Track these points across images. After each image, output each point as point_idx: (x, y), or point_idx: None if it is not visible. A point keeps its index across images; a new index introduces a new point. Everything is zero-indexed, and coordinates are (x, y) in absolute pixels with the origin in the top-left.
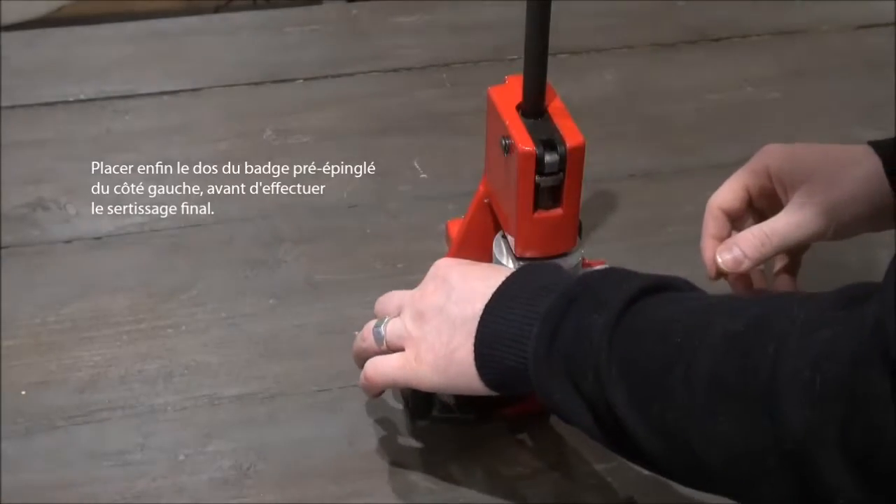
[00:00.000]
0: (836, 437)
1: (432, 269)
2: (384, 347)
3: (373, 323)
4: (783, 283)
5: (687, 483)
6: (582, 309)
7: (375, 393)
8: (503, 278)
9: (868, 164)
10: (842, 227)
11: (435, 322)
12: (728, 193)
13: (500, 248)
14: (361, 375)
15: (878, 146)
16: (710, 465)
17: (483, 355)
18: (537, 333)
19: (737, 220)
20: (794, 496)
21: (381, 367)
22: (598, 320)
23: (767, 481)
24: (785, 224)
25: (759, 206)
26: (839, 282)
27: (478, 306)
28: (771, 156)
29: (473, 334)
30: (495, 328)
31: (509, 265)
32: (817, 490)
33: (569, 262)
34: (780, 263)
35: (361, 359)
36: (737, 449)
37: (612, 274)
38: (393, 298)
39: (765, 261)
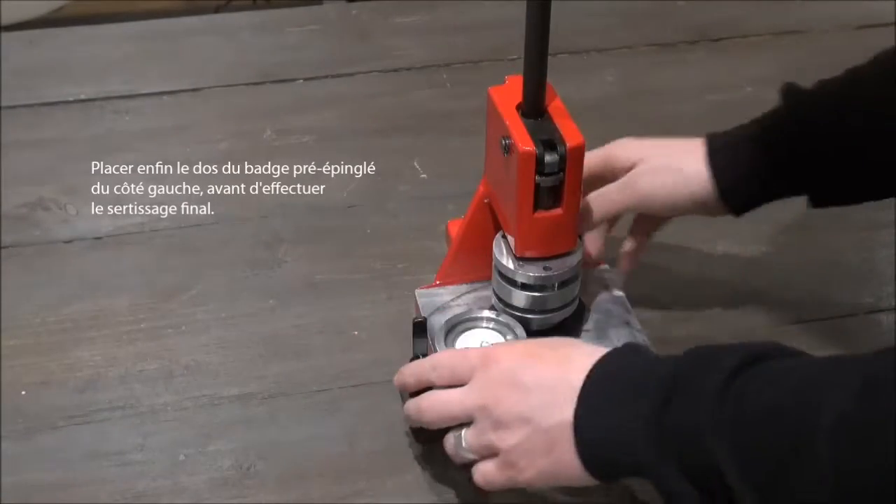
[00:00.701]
0: None
1: (492, 365)
2: (470, 457)
3: (447, 440)
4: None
5: None
6: (682, 404)
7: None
8: (580, 372)
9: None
10: (647, 200)
11: (524, 432)
12: None
13: (500, 248)
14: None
15: (711, 138)
16: None
17: (592, 459)
18: (643, 440)
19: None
20: None
21: (489, 476)
22: (701, 417)
23: None
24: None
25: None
26: (838, 281)
27: (567, 413)
28: (618, 145)
29: (573, 442)
30: (597, 436)
31: (509, 265)
32: None
33: (569, 262)
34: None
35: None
36: None
37: (701, 357)
38: (448, 398)
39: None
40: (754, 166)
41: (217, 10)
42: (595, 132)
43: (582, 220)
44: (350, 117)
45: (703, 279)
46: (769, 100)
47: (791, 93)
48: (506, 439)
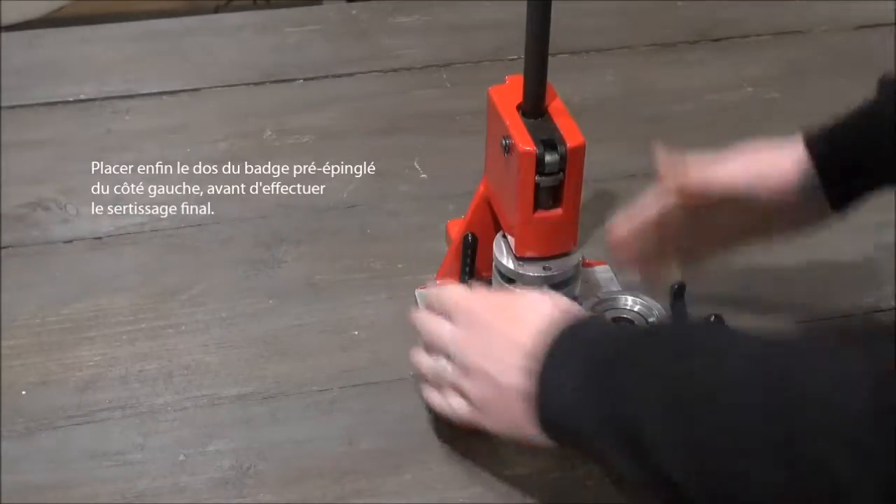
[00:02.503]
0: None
1: (465, 310)
2: (447, 384)
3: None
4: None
5: None
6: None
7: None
8: (537, 336)
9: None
10: (728, 185)
11: (485, 387)
12: None
13: (500, 248)
14: (434, 404)
15: (806, 130)
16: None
17: (546, 425)
18: (583, 407)
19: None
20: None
21: (456, 408)
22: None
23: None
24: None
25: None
26: (838, 281)
27: (520, 378)
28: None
29: (529, 410)
30: (547, 403)
31: (509, 265)
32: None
33: (569, 262)
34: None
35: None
36: None
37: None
38: (441, 327)
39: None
40: (856, 155)
41: (217, 10)
42: (595, 132)
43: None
44: (350, 117)
45: (703, 279)
46: (769, 100)
47: (889, 83)
48: (471, 390)
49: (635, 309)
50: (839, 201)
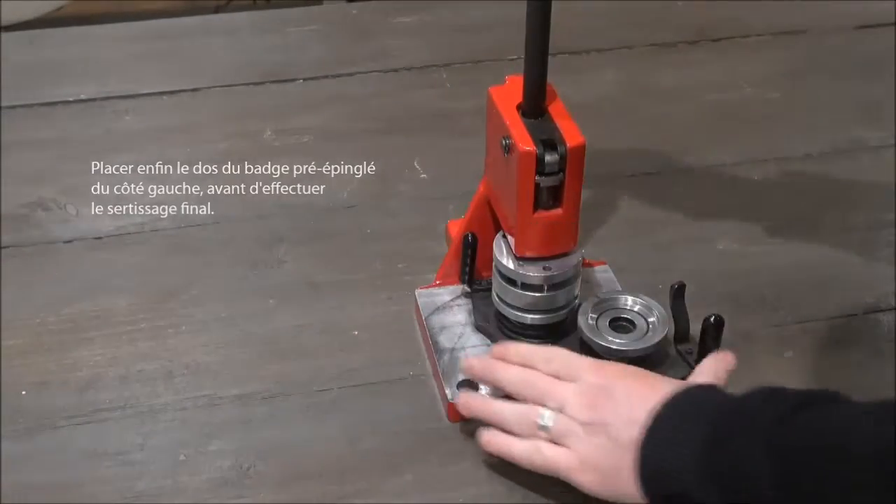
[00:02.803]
0: None
1: (597, 371)
2: (542, 436)
3: (519, 408)
4: None
5: None
6: (736, 432)
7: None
8: (659, 396)
9: None
10: None
11: (601, 439)
12: None
13: (500, 248)
14: (502, 447)
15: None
16: None
17: (647, 482)
18: (695, 465)
19: None
20: None
21: (550, 456)
22: (754, 449)
23: None
24: None
25: None
26: (838, 281)
27: (637, 432)
28: None
29: (637, 461)
30: (657, 459)
31: (509, 265)
32: None
33: (569, 263)
34: None
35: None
36: None
37: (759, 395)
38: (538, 382)
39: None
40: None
41: (217, 10)
42: (595, 132)
43: None
44: (350, 117)
45: (703, 279)
46: (769, 100)
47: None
48: (585, 439)
49: (635, 309)
50: None
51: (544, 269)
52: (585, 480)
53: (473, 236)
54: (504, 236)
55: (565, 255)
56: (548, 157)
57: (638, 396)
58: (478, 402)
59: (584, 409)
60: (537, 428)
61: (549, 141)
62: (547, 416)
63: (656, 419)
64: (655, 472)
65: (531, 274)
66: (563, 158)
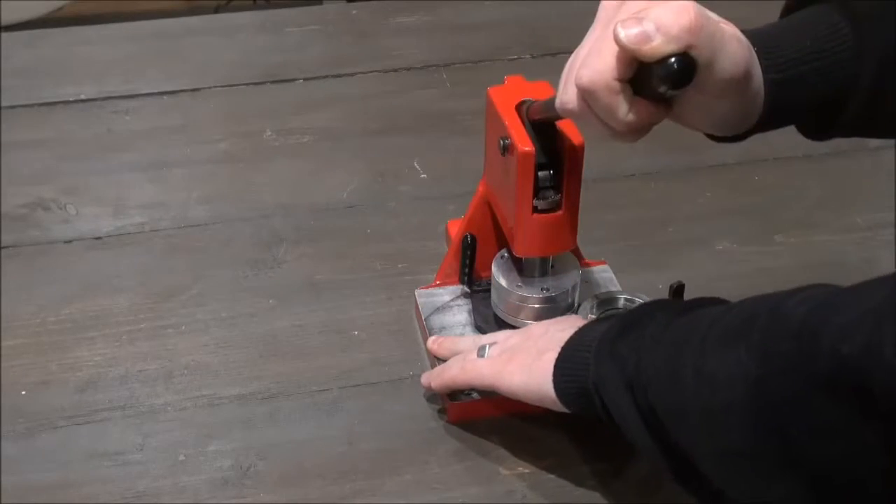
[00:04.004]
0: None
1: (510, 335)
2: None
3: (468, 353)
4: None
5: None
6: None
7: (446, 390)
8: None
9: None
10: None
11: (526, 350)
12: None
13: (499, 268)
14: (440, 377)
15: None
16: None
17: (559, 367)
18: (594, 357)
19: None
20: None
21: (471, 367)
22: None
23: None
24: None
25: None
26: (838, 281)
27: (554, 345)
28: None
29: (554, 360)
30: (568, 352)
31: (509, 289)
32: None
33: (567, 283)
34: None
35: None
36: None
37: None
38: (466, 341)
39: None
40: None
41: (217, 10)
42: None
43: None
44: (350, 117)
45: (702, 279)
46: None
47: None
48: (507, 340)
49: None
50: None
51: (542, 290)
52: (508, 370)
53: (473, 237)
54: (502, 257)
55: (564, 275)
56: (547, 158)
57: (555, 328)
58: (447, 342)
59: (515, 335)
60: (478, 355)
61: (548, 141)
62: (487, 347)
63: (577, 331)
64: (564, 364)
65: (531, 295)
66: (562, 158)
